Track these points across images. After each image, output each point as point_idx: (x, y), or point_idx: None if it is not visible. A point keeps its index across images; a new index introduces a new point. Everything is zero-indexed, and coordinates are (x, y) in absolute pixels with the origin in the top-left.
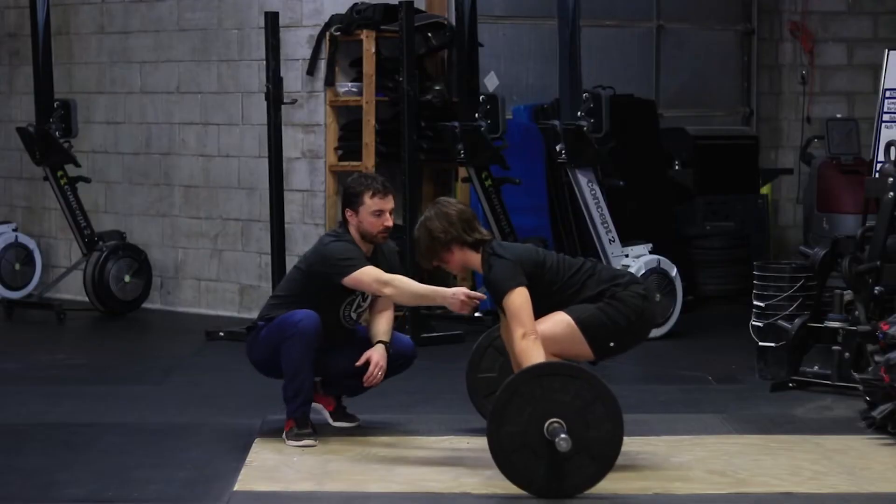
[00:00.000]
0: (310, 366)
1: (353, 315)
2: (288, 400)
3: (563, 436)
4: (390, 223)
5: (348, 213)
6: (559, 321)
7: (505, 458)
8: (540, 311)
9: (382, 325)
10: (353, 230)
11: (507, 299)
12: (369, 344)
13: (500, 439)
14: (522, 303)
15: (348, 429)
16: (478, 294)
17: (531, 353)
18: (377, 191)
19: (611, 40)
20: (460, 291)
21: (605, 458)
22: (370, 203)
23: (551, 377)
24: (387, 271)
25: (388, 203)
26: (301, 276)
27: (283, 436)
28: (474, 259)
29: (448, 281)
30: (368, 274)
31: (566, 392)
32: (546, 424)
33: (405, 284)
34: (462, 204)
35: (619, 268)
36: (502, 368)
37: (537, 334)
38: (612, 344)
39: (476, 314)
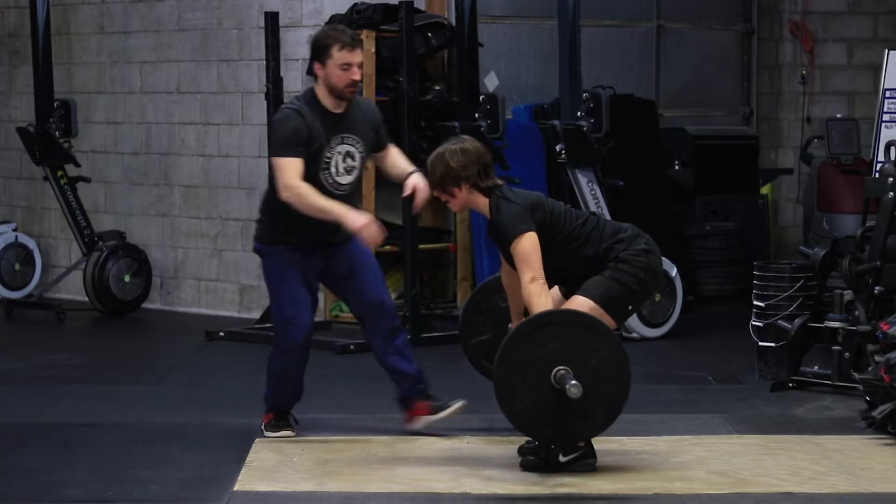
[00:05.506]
0: (295, 372)
1: (341, 180)
2: (266, 399)
3: (572, 382)
4: (357, 77)
5: (316, 66)
6: (580, 305)
7: (532, 430)
8: (543, 258)
9: (402, 162)
10: (320, 85)
11: (516, 243)
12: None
13: (518, 417)
14: (532, 247)
15: (348, 429)
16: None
17: (539, 297)
18: (345, 44)
19: (611, 40)
20: (370, 219)
21: (617, 378)
22: (338, 56)
23: (535, 334)
24: (361, 129)
25: (356, 56)
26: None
27: (262, 428)
28: (480, 202)
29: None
30: (285, 168)
31: (556, 339)
32: (552, 374)
33: (306, 195)
34: (484, 147)
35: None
36: (494, 329)
37: (545, 279)
38: (630, 307)
39: None
